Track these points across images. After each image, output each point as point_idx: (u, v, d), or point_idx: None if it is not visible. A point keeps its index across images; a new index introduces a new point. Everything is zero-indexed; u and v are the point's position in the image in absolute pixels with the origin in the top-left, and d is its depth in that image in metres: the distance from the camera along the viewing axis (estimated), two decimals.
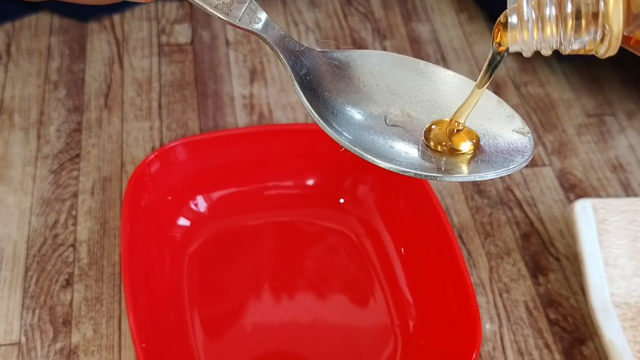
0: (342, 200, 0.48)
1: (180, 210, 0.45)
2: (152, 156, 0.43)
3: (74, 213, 0.48)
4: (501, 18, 0.31)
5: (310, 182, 0.48)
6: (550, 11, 0.29)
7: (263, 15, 0.31)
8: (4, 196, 0.48)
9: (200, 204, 0.46)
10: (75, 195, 0.49)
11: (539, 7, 0.29)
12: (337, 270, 0.45)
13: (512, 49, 0.31)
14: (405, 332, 0.42)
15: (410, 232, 0.44)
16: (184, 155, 0.44)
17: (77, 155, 0.51)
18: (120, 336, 0.43)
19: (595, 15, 0.28)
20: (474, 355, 0.36)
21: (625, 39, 0.29)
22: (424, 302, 0.42)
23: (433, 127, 0.33)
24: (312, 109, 0.31)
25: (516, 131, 0.34)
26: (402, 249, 0.45)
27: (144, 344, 0.35)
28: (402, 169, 0.31)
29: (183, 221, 0.45)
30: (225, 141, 0.45)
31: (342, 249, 0.46)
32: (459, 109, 0.33)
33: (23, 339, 0.42)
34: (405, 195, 0.45)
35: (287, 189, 0.47)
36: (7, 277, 0.45)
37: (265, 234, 0.46)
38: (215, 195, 0.46)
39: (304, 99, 0.31)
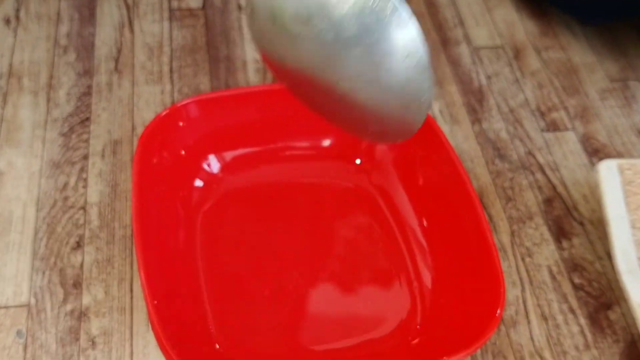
0: (358, 161, 0.46)
1: (193, 169, 0.44)
2: (164, 113, 0.41)
3: (84, 176, 0.47)
4: None
5: (326, 142, 0.46)
6: None
7: None
8: (14, 159, 0.47)
9: (213, 164, 0.44)
10: (85, 157, 0.48)
11: None
12: (354, 230, 0.44)
13: None
14: (425, 291, 0.41)
15: (429, 191, 0.43)
16: (196, 114, 0.43)
17: (87, 119, 0.50)
18: (132, 298, 0.42)
19: None
20: (498, 312, 0.34)
21: None
22: (444, 262, 0.41)
23: None
24: None
25: None
26: (422, 211, 0.43)
27: (155, 302, 0.34)
28: None
29: (196, 181, 0.44)
30: (239, 100, 0.44)
31: (359, 209, 0.45)
32: None
33: (33, 301, 0.41)
34: (424, 153, 0.43)
35: (302, 149, 0.46)
36: (16, 239, 0.43)
37: (279, 194, 0.45)
38: (229, 155, 0.45)
39: None
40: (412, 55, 0.27)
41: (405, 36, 0.26)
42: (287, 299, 0.40)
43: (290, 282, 0.41)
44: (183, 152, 0.43)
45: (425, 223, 0.43)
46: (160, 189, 0.41)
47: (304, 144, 0.46)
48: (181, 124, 0.42)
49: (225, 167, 0.45)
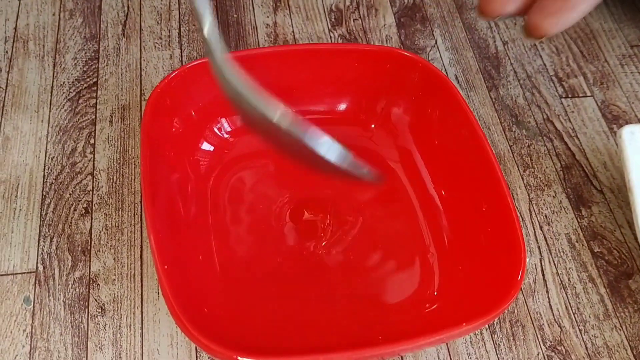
0: (373, 126, 0.45)
1: (204, 133, 0.42)
2: (173, 74, 0.40)
3: (92, 141, 0.46)
4: None
5: (340, 107, 0.45)
6: None
7: None
8: (19, 123, 0.46)
9: (225, 127, 0.43)
10: (93, 123, 0.46)
11: None
12: (369, 196, 0.42)
13: None
14: (442, 257, 0.40)
15: (446, 155, 0.42)
16: (207, 76, 0.41)
17: (95, 84, 0.49)
18: (142, 265, 0.41)
19: None
20: (519, 276, 0.33)
21: None
22: (461, 227, 0.40)
23: None
24: None
25: None
26: (438, 175, 0.42)
27: (166, 266, 0.33)
28: None
29: (206, 145, 0.42)
30: (251, 61, 0.42)
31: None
32: None
33: (40, 268, 0.40)
34: (441, 115, 0.42)
35: (315, 114, 0.45)
36: (23, 205, 0.43)
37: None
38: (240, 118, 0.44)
39: None
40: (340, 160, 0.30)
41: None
42: (300, 265, 0.39)
43: (303, 248, 0.40)
44: (193, 114, 0.41)
45: (442, 187, 0.42)
46: (170, 153, 0.40)
47: (318, 108, 0.45)
48: (191, 85, 0.41)
49: (236, 131, 0.43)
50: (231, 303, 0.37)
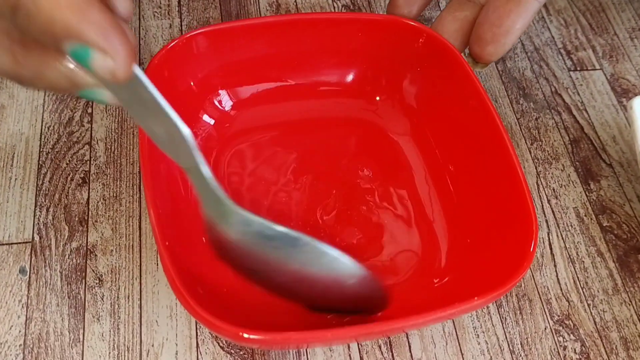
0: (378, 98, 0.44)
1: (203, 106, 0.41)
2: (172, 44, 0.38)
3: (89, 111, 0.45)
4: None
5: (344, 79, 0.44)
6: None
7: None
8: (15, 92, 0.45)
9: (225, 100, 0.42)
10: None
11: None
12: (373, 170, 0.41)
13: None
14: (449, 229, 0.39)
15: (454, 126, 0.40)
16: (207, 45, 0.40)
17: None
18: (140, 236, 0.40)
19: None
20: (532, 247, 0.32)
21: None
22: (470, 199, 0.39)
23: None
24: None
25: None
26: (446, 147, 0.41)
27: (167, 242, 0.32)
28: None
29: (207, 118, 0.41)
30: (253, 31, 0.41)
31: (379, 148, 0.42)
32: None
33: (36, 238, 0.39)
34: (448, 86, 0.41)
35: (318, 85, 0.43)
36: (19, 174, 0.41)
37: (294, 133, 0.42)
38: (241, 91, 0.42)
39: None
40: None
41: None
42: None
43: (307, 224, 0.39)
44: (192, 85, 0.40)
45: (449, 159, 0.41)
46: None
47: (322, 79, 0.43)
48: (190, 56, 0.40)
49: (237, 104, 0.42)
50: (233, 278, 0.36)
